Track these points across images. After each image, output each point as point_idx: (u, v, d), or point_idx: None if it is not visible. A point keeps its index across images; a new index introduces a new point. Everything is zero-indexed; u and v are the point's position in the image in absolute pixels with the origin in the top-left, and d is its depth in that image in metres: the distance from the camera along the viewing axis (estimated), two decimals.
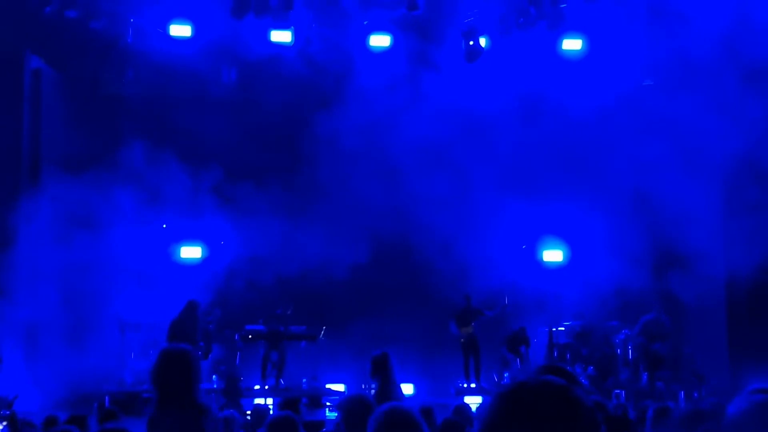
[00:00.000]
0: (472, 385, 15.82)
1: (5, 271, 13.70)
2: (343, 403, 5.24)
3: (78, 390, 12.29)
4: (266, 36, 16.13)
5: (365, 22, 16.33)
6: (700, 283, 15.16)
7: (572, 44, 16.54)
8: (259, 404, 12.39)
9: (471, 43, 16.22)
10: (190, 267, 16.45)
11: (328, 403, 14.95)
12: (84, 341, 13.19)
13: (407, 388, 16.24)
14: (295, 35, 16.28)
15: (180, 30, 16.03)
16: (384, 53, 16.50)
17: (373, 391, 8.51)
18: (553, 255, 17.48)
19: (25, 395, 11.69)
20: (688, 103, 15.04)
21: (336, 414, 5.28)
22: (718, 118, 14.64)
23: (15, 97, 15.30)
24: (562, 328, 16.29)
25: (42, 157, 15.84)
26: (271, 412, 10.61)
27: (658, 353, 14.67)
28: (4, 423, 3.34)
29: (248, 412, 13.51)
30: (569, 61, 16.54)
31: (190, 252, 16.77)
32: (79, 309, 13.72)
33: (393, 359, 8.53)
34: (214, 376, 15.06)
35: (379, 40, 16.53)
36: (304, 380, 15.66)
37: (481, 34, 16.28)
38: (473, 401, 13.80)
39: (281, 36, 16.29)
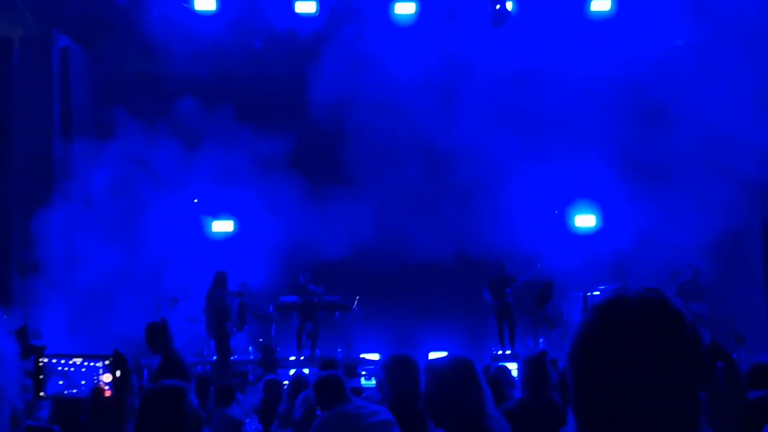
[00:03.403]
0: (507, 352, 15.81)
1: (41, 248, 13.86)
2: (386, 363, 5.23)
3: None
4: (291, 7, 16.07)
5: None
6: (736, 244, 15.02)
7: (601, 5, 16.33)
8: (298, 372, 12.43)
9: (498, 7, 16.03)
10: (222, 241, 16.53)
11: (363, 372, 15.02)
12: (122, 314, 13.31)
13: (440, 356, 16.27)
14: (320, 5, 16.19)
15: (205, 4, 16.00)
16: (409, 20, 16.40)
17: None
18: (585, 220, 17.34)
19: None
20: (723, 62, 14.81)
21: (380, 374, 5.27)
22: (754, 74, 14.38)
23: (45, 75, 15.41)
24: (597, 293, 16.19)
25: (74, 134, 15.94)
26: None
27: (697, 314, 14.53)
28: (106, 362, 3.35)
29: (286, 383, 13.64)
30: (598, 23, 16.33)
31: (222, 226, 16.84)
32: (116, 282, 13.84)
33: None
34: (250, 348, 15.19)
35: (404, 8, 16.41)
36: (339, 350, 15.73)
37: None
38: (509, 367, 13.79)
39: (306, 7, 16.21)
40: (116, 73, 16.52)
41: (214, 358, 14.39)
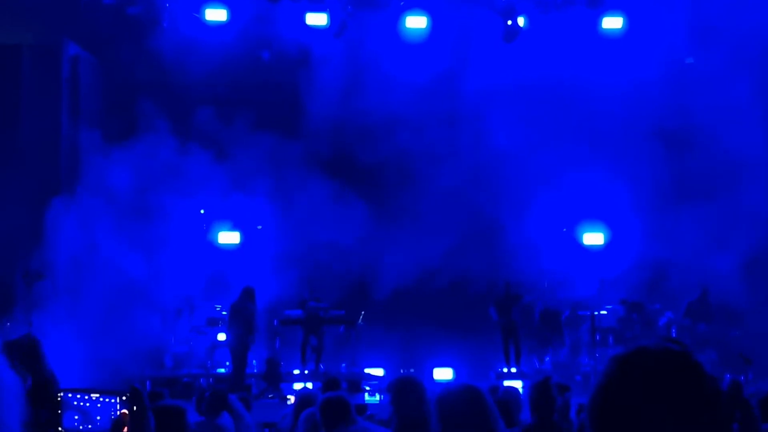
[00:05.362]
0: (512, 370, 15.69)
1: (46, 256, 13.81)
2: (392, 385, 5.15)
3: (119, 373, 12.34)
4: (302, 19, 16.07)
5: (401, 2, 16.17)
6: (747, 264, 14.91)
7: (613, 22, 16.29)
8: (304, 389, 12.36)
9: (509, 22, 15.99)
10: (228, 252, 16.47)
11: (367, 388, 14.92)
12: (125, 325, 13.26)
13: (446, 373, 16.15)
14: (331, 17, 16.18)
15: (215, 14, 16.02)
16: (420, 34, 16.37)
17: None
18: (593, 238, 17.25)
19: (68, 378, 11.80)
20: (730, 80, 14.76)
21: (386, 395, 5.19)
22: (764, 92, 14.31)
23: (54, 82, 15.43)
24: (605, 312, 16.08)
25: (82, 141, 15.93)
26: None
27: (704, 335, 14.41)
28: (123, 398, 3.32)
29: (289, 397, 13.56)
30: (610, 40, 16.29)
31: (228, 237, 16.77)
32: (120, 292, 13.78)
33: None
34: (254, 361, 15.09)
35: (416, 21, 16.38)
36: (343, 365, 15.62)
37: (520, 14, 16.05)
38: (514, 386, 13.66)
39: (317, 19, 16.20)
40: (126, 82, 16.52)
41: (222, 370, 14.41)
